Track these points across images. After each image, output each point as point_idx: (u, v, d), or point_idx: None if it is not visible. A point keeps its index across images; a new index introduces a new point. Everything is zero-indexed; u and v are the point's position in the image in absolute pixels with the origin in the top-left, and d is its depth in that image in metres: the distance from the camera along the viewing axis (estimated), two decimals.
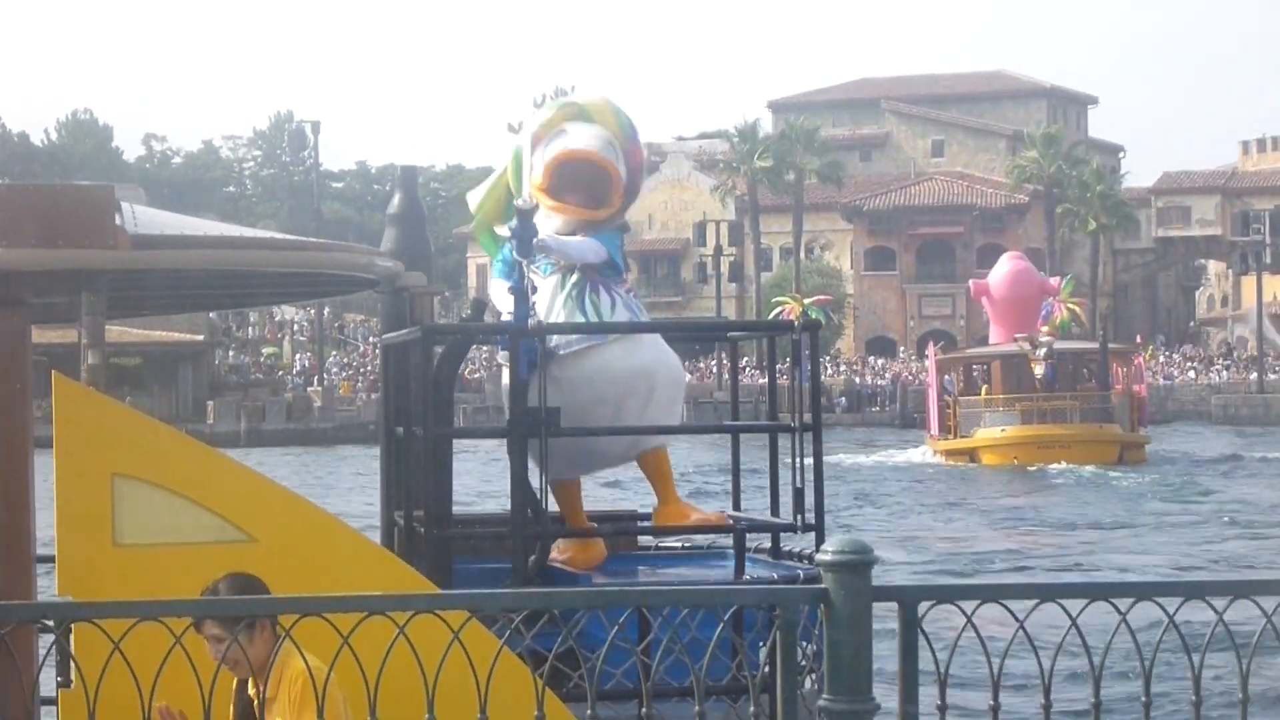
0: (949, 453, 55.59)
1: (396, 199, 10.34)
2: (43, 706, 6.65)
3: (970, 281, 64.55)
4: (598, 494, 9.92)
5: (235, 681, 5.95)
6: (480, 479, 40.28)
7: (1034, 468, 51.74)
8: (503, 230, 9.37)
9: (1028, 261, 60.77)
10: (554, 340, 9.06)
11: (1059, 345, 55.42)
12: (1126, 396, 55.23)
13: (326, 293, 10.66)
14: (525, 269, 8.98)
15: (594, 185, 9.32)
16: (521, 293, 8.94)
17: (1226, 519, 36.01)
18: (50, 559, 6.76)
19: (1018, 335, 54.89)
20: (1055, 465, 51.54)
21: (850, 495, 42.21)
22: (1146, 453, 54.49)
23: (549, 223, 9.23)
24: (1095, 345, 57.13)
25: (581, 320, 9.22)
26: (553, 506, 9.11)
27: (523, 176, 9.42)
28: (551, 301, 9.24)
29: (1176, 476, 48.18)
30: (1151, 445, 55.84)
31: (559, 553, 9.29)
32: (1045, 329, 55.42)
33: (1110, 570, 26.92)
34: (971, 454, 54.73)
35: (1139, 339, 72.29)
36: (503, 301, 9.22)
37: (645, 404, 9.22)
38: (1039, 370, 53.69)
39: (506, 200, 9.52)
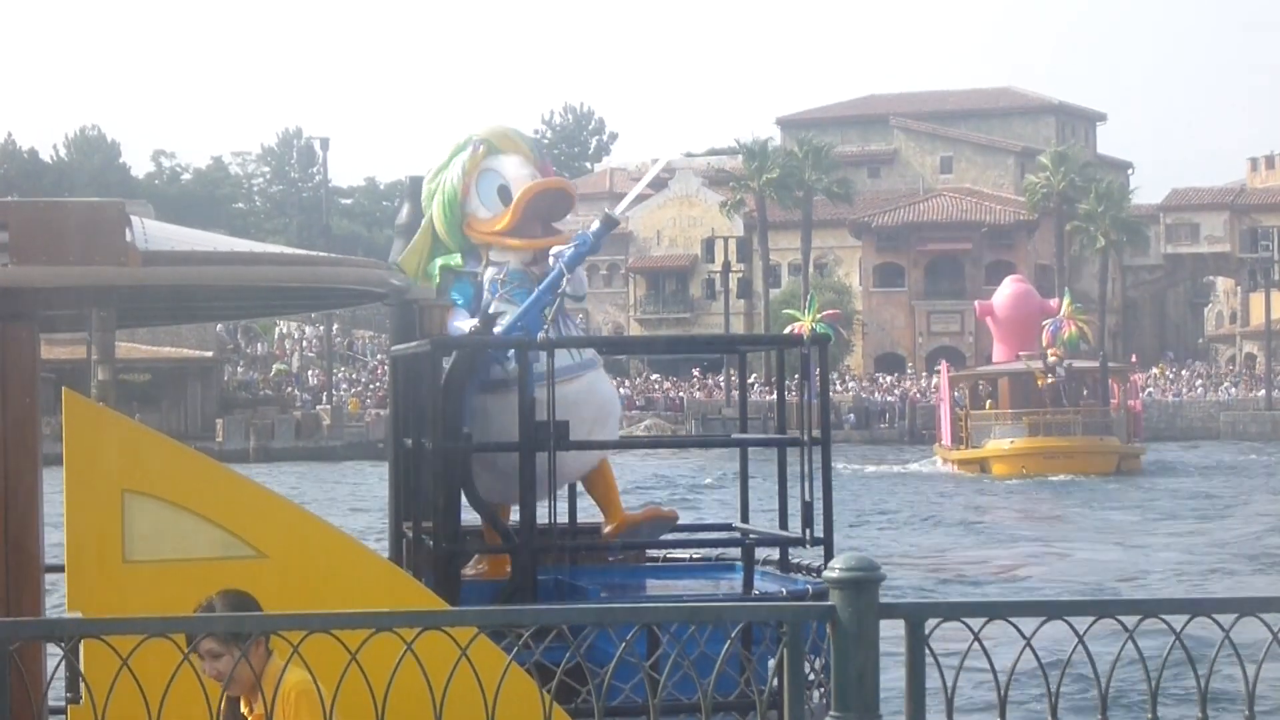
0: (960, 462, 59.32)
1: (405, 210, 10.32)
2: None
3: (975, 303, 69.15)
4: (584, 508, 10.02)
5: (225, 698, 5.92)
6: None
7: (1041, 479, 54.06)
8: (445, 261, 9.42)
9: (1029, 284, 66.37)
10: (558, 361, 9.13)
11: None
12: (1123, 412, 60.15)
13: (335, 305, 10.67)
14: (563, 285, 9.03)
15: (554, 212, 9.50)
16: (540, 308, 8.99)
17: (1224, 531, 36.08)
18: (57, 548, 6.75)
19: (1021, 353, 58.76)
20: (1058, 476, 54.35)
21: (860, 507, 42.19)
22: (1142, 463, 58.84)
23: (516, 256, 9.34)
24: (1096, 364, 60.87)
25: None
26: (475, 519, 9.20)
27: (455, 221, 9.39)
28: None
29: (1176, 488, 49.90)
30: (1146, 457, 60.12)
31: (473, 567, 9.39)
32: (1051, 350, 58.28)
33: (1114, 584, 26.89)
34: (982, 463, 58.50)
35: (1134, 359, 74.03)
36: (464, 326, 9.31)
37: (607, 428, 9.52)
38: (1054, 378, 56.86)
39: (435, 244, 9.51)
